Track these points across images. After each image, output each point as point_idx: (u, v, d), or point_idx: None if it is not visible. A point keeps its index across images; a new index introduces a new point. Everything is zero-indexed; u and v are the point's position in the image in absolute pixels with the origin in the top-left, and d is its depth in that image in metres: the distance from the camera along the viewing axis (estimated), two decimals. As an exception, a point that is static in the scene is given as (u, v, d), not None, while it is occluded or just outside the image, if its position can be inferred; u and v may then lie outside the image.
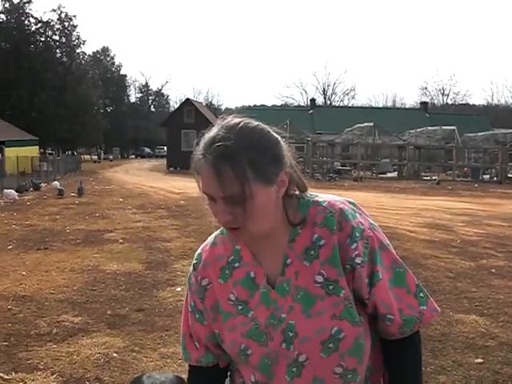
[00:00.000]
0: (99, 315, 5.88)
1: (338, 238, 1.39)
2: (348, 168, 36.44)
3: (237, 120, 1.37)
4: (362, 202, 13.44)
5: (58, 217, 14.31)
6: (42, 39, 55.99)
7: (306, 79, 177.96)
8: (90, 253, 9.22)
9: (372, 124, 36.78)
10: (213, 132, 1.35)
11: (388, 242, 1.47)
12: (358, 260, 1.39)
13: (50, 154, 43.98)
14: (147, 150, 72.80)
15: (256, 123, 1.39)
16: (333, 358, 1.41)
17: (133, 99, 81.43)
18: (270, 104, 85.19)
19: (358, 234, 1.39)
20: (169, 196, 20.56)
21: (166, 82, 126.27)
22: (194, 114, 43.74)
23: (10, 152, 33.87)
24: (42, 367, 4.53)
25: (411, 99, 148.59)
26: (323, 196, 1.48)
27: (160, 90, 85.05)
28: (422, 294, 1.46)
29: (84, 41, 60.26)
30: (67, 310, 6.05)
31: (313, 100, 63.50)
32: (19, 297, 6.58)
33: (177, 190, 22.70)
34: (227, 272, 1.48)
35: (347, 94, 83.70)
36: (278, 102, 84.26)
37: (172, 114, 49.14)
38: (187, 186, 23.17)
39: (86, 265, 8.30)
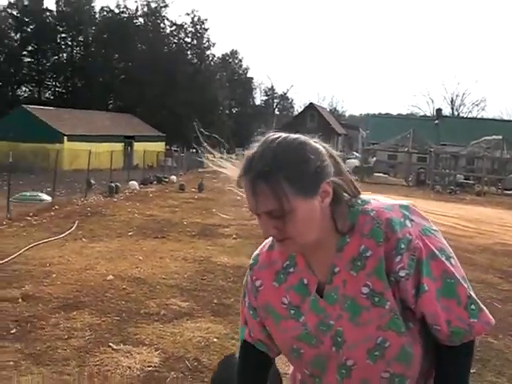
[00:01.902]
0: (205, 303, 6.14)
1: (385, 249, 1.40)
2: (471, 182, 34.88)
3: (275, 136, 1.41)
4: (483, 218, 12.95)
5: (177, 209, 14.98)
6: (175, 41, 58.66)
7: (433, 89, 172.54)
8: (204, 245, 9.60)
9: (501, 137, 34.97)
10: (252, 150, 1.40)
11: (444, 249, 1.44)
12: (401, 273, 1.40)
13: (175, 150, 45.95)
14: (269, 152, 74.02)
15: (295, 137, 1.42)
16: (379, 365, 1.46)
17: (258, 101, 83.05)
18: (395, 113, 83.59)
19: (403, 246, 1.38)
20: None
21: (292, 86, 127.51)
22: (316, 119, 43.94)
23: (139, 146, 35.89)
24: (147, 343, 4.83)
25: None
26: (374, 203, 1.47)
27: (285, 93, 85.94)
28: (473, 307, 1.43)
29: (214, 43, 62.49)
30: (176, 295, 6.37)
31: (439, 110, 61.25)
32: (134, 278, 7.01)
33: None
34: (282, 276, 1.54)
35: (477, 105, 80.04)
36: (404, 111, 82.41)
37: (295, 117, 49.73)
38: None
39: (198, 255, 8.66)
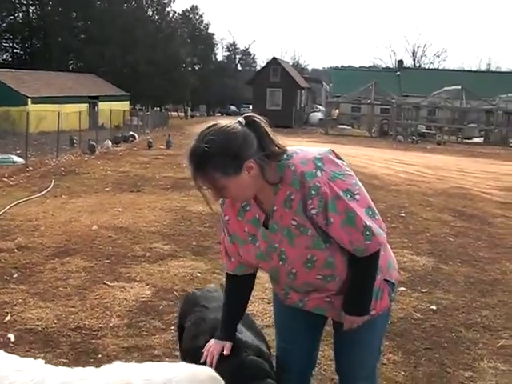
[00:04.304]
0: (186, 245, 6.73)
1: (301, 194, 2.03)
2: (433, 132, 35.87)
3: (205, 132, 1.99)
4: (442, 165, 13.79)
5: (148, 166, 15.41)
6: (135, -2, 57.61)
7: (395, 40, 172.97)
8: (178, 196, 10.15)
9: (460, 87, 35.83)
10: (191, 144, 2.00)
11: (350, 189, 2.03)
12: (313, 211, 2.02)
13: (139, 109, 45.78)
14: (233, 108, 73.68)
15: (220, 126, 1.99)
16: (313, 271, 2.16)
17: (220, 58, 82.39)
18: (357, 65, 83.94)
19: (313, 192, 2.01)
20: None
21: (253, 41, 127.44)
22: (279, 73, 43.98)
23: (104, 106, 35.74)
24: (138, 279, 5.41)
25: (508, 63, 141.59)
26: (295, 157, 2.05)
27: (247, 48, 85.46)
28: (368, 232, 2.04)
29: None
30: (158, 240, 6.94)
31: (400, 61, 61.73)
32: (117, 227, 7.54)
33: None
34: (241, 213, 2.22)
35: (438, 56, 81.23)
36: (366, 64, 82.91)
37: (258, 72, 49.53)
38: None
39: (174, 205, 9.22)
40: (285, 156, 2.05)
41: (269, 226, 2.13)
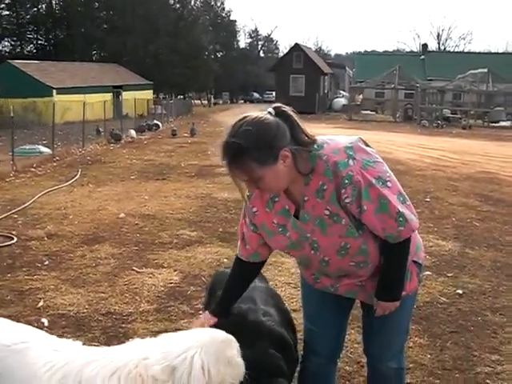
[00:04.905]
0: (212, 232, 6.81)
1: (335, 184, 2.06)
2: (458, 116, 35.37)
3: (237, 124, 2.00)
4: (468, 150, 13.62)
5: (173, 154, 15.54)
6: (156, -14, 57.65)
7: (419, 24, 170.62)
8: (203, 183, 10.24)
9: (486, 70, 35.25)
10: (223, 139, 2.01)
11: (381, 176, 2.06)
12: (347, 200, 2.05)
13: (163, 98, 45.94)
14: (256, 95, 73.46)
15: (252, 117, 2.00)
16: (346, 259, 2.19)
17: (242, 45, 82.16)
18: (381, 50, 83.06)
19: (346, 181, 2.04)
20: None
21: (276, 28, 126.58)
22: (302, 59, 43.73)
23: (128, 95, 36.00)
24: (166, 266, 5.51)
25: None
26: (326, 148, 2.07)
27: (269, 35, 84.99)
28: (401, 219, 2.07)
29: (196, -13, 61.33)
30: (185, 227, 7.03)
31: (425, 45, 60.88)
32: (144, 215, 7.66)
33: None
34: (270, 204, 2.24)
35: (463, 39, 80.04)
36: (390, 48, 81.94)
37: (281, 59, 49.33)
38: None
39: (199, 193, 9.30)
40: (315, 146, 2.07)
41: (299, 216, 2.15)
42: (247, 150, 1.96)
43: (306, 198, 2.12)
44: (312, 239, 2.17)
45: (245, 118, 2.01)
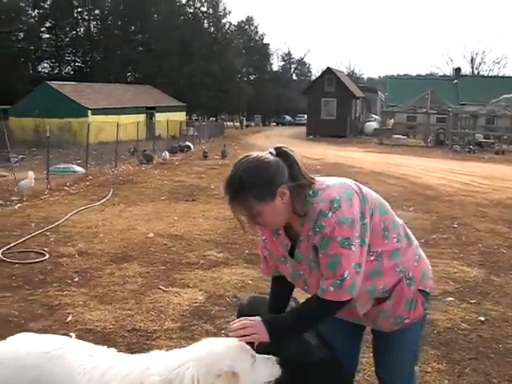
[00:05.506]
0: (238, 253, 6.93)
1: (313, 230, 2.14)
2: (491, 141, 34.99)
3: (240, 162, 2.15)
4: (499, 175, 13.45)
5: (203, 175, 15.77)
6: (191, 10, 58.83)
7: (452, 48, 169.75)
8: (232, 206, 10.35)
9: (520, 95, 34.88)
10: (228, 175, 2.15)
11: (349, 238, 2.08)
12: (316, 245, 2.14)
13: (195, 119, 46.56)
14: (288, 117, 73.85)
15: (253, 157, 2.14)
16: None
17: (275, 68, 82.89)
18: (414, 74, 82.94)
19: (317, 229, 2.13)
20: (306, 161, 21.24)
21: (309, 51, 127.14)
22: (334, 83, 43.91)
23: (161, 117, 36.62)
24: (191, 285, 5.63)
25: None
26: (319, 195, 2.14)
27: (302, 58, 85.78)
28: (338, 282, 2.10)
29: (229, 11, 62.66)
30: (211, 248, 7.17)
31: (458, 69, 60.65)
32: (172, 235, 7.82)
33: (315, 156, 22.73)
34: (275, 235, 2.36)
35: (497, 63, 79.14)
36: (423, 72, 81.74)
37: (313, 82, 49.58)
38: (326, 153, 23.80)
39: (228, 215, 9.38)
40: (311, 193, 2.16)
41: (294, 254, 2.28)
42: (247, 187, 2.09)
43: (301, 239, 2.23)
44: (304, 277, 2.30)
45: (246, 156, 2.16)
